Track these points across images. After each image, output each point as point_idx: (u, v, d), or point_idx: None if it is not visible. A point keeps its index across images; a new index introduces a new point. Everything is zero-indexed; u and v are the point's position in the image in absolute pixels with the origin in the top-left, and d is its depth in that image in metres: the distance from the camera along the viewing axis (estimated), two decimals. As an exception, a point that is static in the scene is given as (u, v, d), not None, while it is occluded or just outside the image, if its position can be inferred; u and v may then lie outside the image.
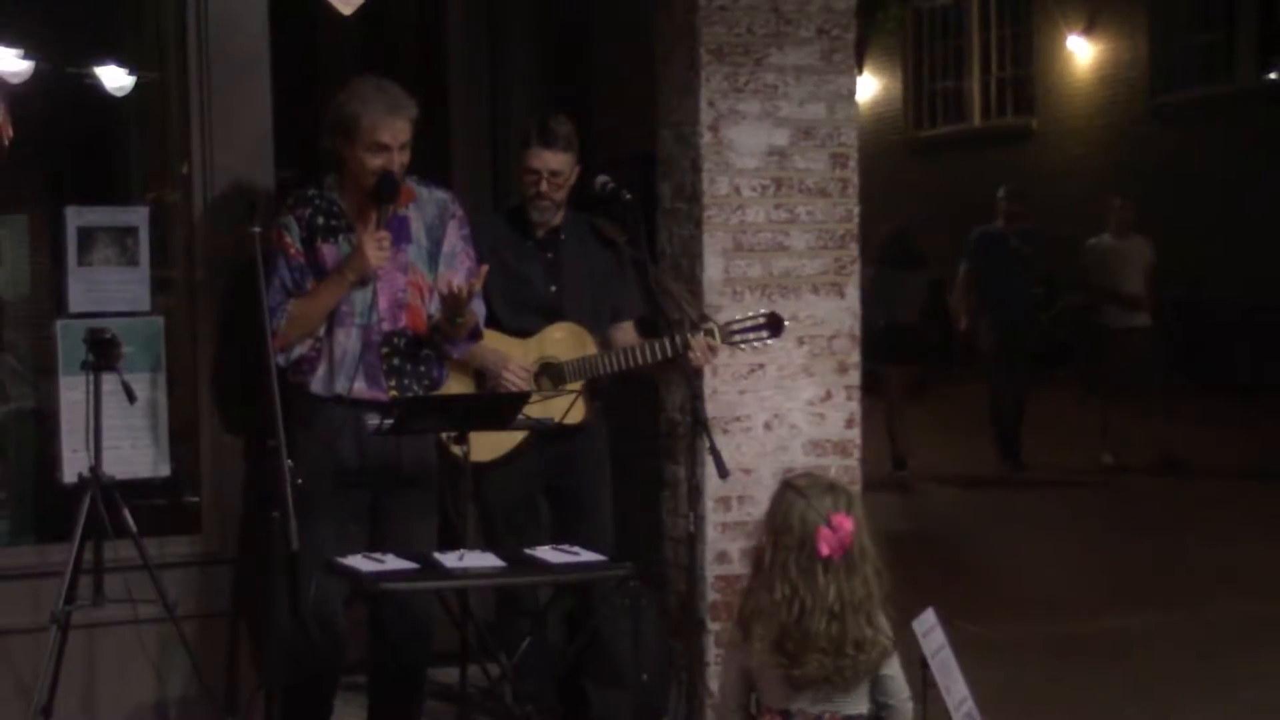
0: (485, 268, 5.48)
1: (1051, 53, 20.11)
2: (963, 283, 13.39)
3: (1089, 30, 19.46)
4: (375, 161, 5.29)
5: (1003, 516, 11.31)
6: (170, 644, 5.58)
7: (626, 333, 5.96)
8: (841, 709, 4.15)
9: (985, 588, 8.72)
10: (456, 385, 5.70)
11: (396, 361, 5.44)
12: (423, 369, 5.49)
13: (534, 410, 5.56)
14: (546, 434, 5.71)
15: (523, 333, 5.83)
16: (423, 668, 5.66)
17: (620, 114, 7.12)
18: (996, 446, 13.12)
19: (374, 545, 5.21)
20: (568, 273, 5.89)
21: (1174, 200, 16.56)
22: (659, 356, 5.71)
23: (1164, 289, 13.08)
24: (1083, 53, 19.55)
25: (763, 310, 5.86)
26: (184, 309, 5.98)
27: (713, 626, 6.15)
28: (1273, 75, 17.26)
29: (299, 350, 5.37)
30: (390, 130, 5.28)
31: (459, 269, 5.52)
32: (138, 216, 5.84)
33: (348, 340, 5.37)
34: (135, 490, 5.58)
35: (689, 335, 5.67)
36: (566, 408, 5.67)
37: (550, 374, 5.79)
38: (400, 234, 5.44)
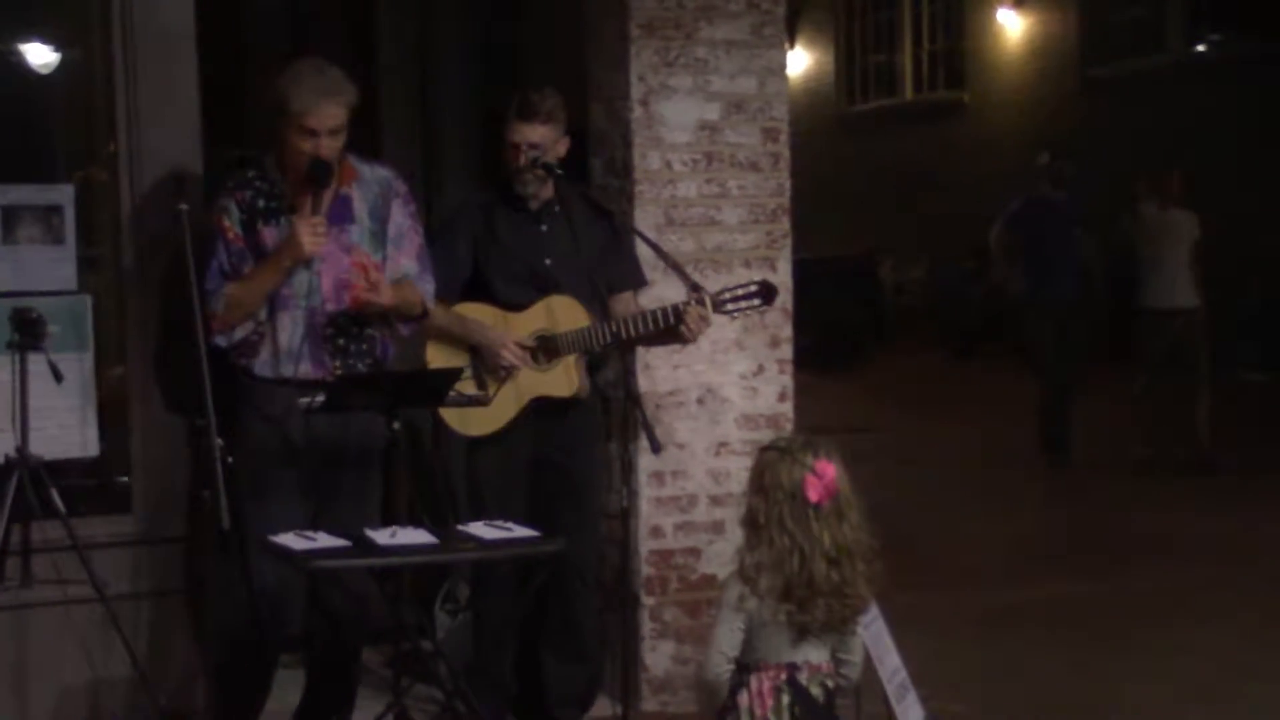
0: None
1: (982, 26, 20.22)
2: (999, 242, 12.35)
3: (1019, 3, 19.58)
4: (304, 145, 5.23)
5: (931, 489, 11.34)
6: (101, 625, 5.54)
7: (626, 304, 5.86)
8: (831, 659, 4.31)
9: (916, 559, 8.77)
10: (449, 361, 5.67)
11: (341, 341, 5.40)
12: (365, 347, 5.46)
13: (535, 385, 5.64)
14: (543, 409, 5.72)
15: (517, 306, 5.79)
16: (360, 644, 5.65)
17: (551, 89, 7.09)
18: (1040, 439, 12.16)
19: (319, 524, 5.19)
20: (561, 245, 5.82)
21: (1106, 172, 16.67)
22: (650, 328, 5.67)
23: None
24: (1013, 26, 19.66)
25: (754, 278, 5.85)
26: (113, 287, 5.93)
27: (647, 601, 6.16)
28: (1202, 47, 17.38)
29: (240, 333, 5.32)
30: (319, 115, 5.21)
31: (407, 249, 5.49)
32: (63, 195, 5.79)
33: (292, 324, 5.33)
34: (63, 471, 5.54)
35: (682, 306, 5.65)
36: (494, 392, 5.65)
37: (545, 347, 5.76)
38: (343, 214, 5.40)
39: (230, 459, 4.86)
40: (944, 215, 19.33)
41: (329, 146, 5.26)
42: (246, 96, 7.65)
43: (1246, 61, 16.31)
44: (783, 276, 6.33)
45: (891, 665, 5.67)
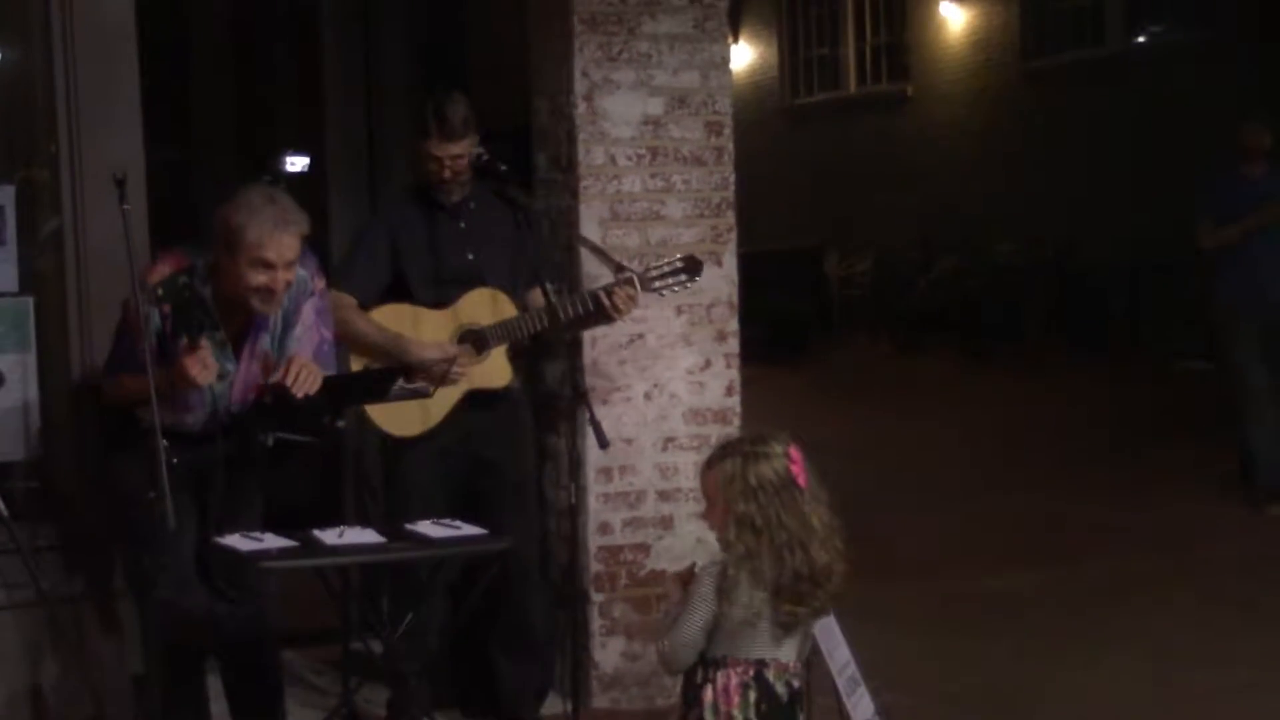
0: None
1: (924, 18, 20.23)
2: (1210, 239, 9.55)
3: (961, -4, 19.60)
4: (259, 279, 5.07)
5: (880, 481, 11.31)
6: (45, 628, 5.50)
7: (536, 298, 5.91)
8: (798, 658, 4.28)
9: (866, 551, 8.76)
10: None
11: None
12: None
13: (468, 378, 5.67)
14: (470, 404, 5.71)
15: (439, 304, 5.80)
16: (269, 645, 5.60)
17: (495, 85, 7.08)
18: (1240, 477, 9.72)
19: (201, 528, 5.23)
20: (483, 239, 5.87)
21: (1047, 164, 16.77)
22: (581, 311, 5.69)
23: (1035, 251, 11.75)
24: (955, 18, 19.68)
25: (679, 255, 5.86)
26: (55, 289, 5.88)
27: (596, 597, 6.16)
28: (1142, 38, 17.47)
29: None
30: (277, 247, 5.05)
31: (306, 344, 5.34)
32: (4, 195, 5.77)
33: (194, 421, 5.27)
34: (6, 473, 5.49)
35: (611, 287, 5.67)
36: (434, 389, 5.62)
37: (473, 340, 5.76)
38: (260, 323, 5.28)
39: (175, 460, 4.80)
40: (889, 207, 19.35)
41: (285, 279, 5.12)
42: (188, 96, 7.61)
43: (1186, 52, 16.38)
44: (728, 270, 6.34)
45: (842, 658, 5.67)
